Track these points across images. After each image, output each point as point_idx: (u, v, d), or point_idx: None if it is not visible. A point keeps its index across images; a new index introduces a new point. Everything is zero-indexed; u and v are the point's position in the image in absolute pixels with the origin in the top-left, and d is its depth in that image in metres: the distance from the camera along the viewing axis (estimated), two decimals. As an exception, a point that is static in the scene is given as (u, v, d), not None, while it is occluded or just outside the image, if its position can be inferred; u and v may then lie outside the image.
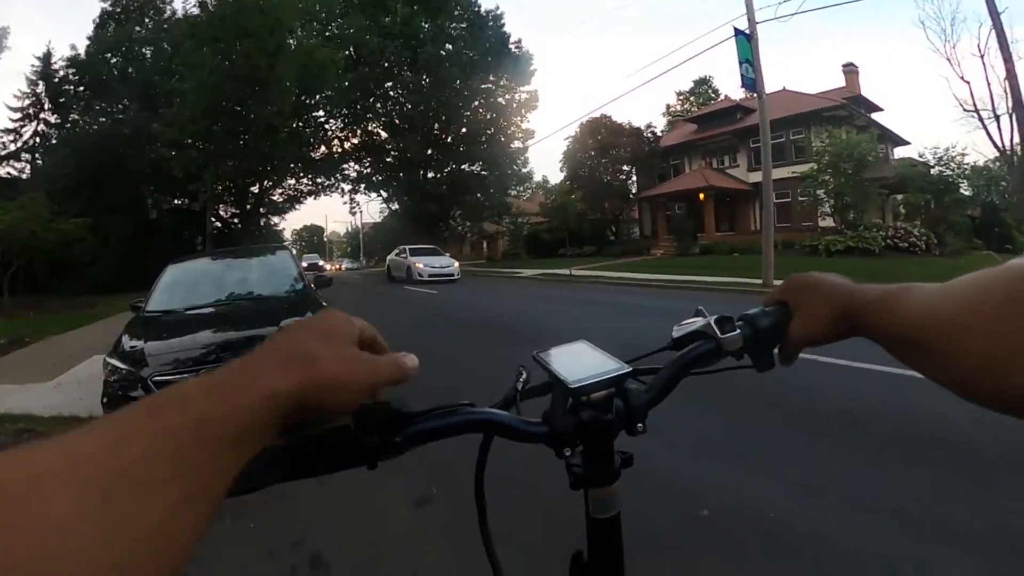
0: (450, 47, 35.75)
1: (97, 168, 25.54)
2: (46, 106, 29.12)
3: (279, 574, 2.73)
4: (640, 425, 0.61)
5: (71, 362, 8.23)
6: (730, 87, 57.42)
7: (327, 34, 32.92)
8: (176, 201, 31.35)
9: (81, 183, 25.59)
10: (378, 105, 37.59)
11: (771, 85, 19.34)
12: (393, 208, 42.61)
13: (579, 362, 0.62)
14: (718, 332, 0.64)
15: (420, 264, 21.86)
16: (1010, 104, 20.05)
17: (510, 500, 3.02)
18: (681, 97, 56.08)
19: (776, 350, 0.67)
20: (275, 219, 38.63)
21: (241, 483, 0.44)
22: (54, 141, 28.71)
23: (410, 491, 3.50)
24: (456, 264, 23.01)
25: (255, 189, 32.39)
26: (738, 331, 0.65)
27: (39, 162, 28.76)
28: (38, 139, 29.36)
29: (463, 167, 38.93)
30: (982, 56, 22.69)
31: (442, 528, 3.06)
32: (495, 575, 0.67)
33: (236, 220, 33.50)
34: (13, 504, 0.26)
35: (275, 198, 36.11)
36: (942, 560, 2.44)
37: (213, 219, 29.25)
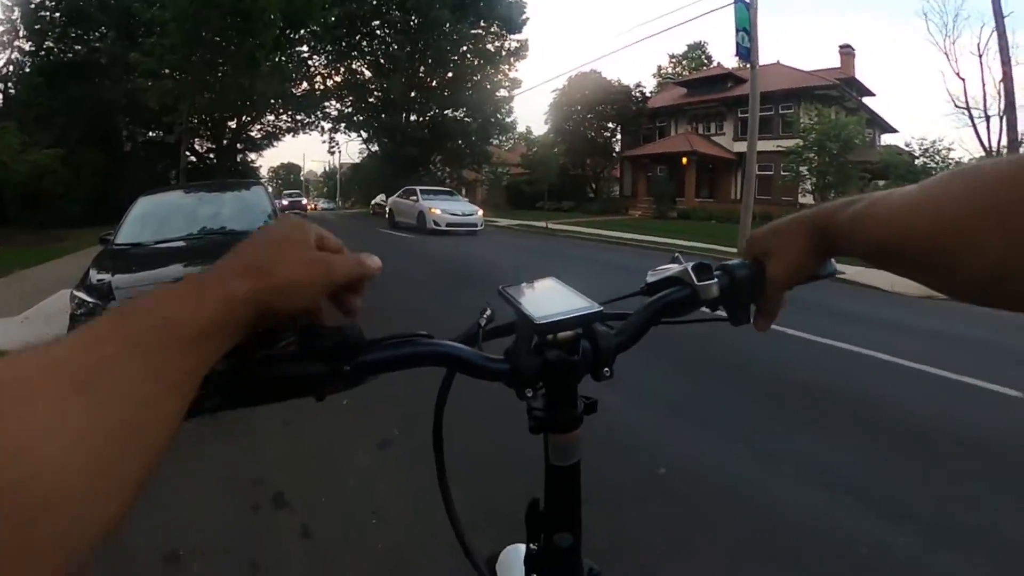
0: (441, -12, 34.81)
1: (71, 98, 24.64)
2: (21, 33, 27.84)
3: (241, 512, 2.75)
4: (607, 370, 0.58)
5: (39, 296, 8.06)
6: (724, 55, 56.77)
7: (315, -33, 31.79)
8: (151, 134, 30.43)
9: (54, 113, 24.72)
10: (364, 43, 36.63)
11: (766, 57, 19.19)
12: (373, 150, 41.92)
13: (547, 299, 0.58)
14: (695, 279, 0.61)
15: (437, 210, 18.20)
16: (1002, 106, 20.22)
17: (465, 447, 3.07)
18: (673, 60, 55.31)
19: (753, 311, 0.64)
20: (252, 156, 37.75)
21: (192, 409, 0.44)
22: (27, 70, 27.54)
23: (373, 433, 3.54)
24: (479, 212, 19.58)
25: (233, 124, 31.57)
26: (716, 280, 0.61)
27: (12, 91, 27.66)
28: (11, 68, 28.15)
29: (446, 112, 38.25)
30: (980, 56, 22.75)
31: (403, 469, 3.09)
32: (449, 513, 0.67)
33: (212, 155, 32.71)
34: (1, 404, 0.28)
35: (253, 134, 35.24)
36: (891, 537, 2.53)
37: (188, 153, 28.53)
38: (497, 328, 0.64)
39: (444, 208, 18.48)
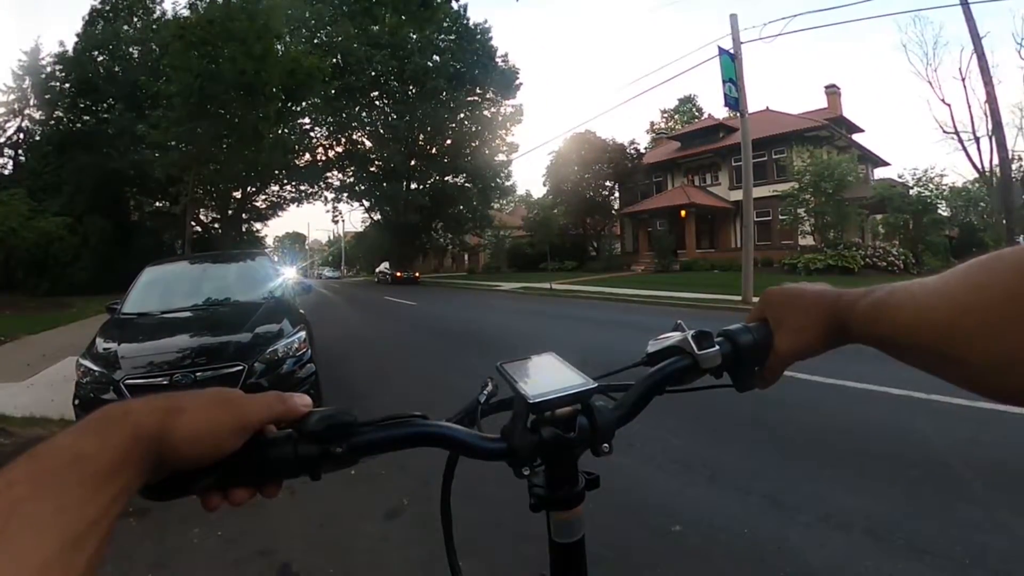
0: (437, 59, 35.89)
1: (79, 167, 25.34)
2: (31, 102, 28.76)
3: (247, 583, 2.69)
4: (606, 446, 0.57)
5: (45, 363, 8.11)
6: (714, 106, 58.17)
7: (315, 41, 32.91)
8: (158, 203, 31.03)
9: (62, 181, 25.42)
10: (363, 114, 37.60)
11: (754, 105, 19.69)
12: (375, 218, 42.50)
13: (544, 376, 0.58)
14: (695, 348, 0.61)
15: None
16: (990, 126, 20.53)
17: (477, 516, 3.01)
18: (665, 115, 56.75)
19: (756, 370, 0.63)
20: (257, 225, 38.35)
21: (176, 487, 0.45)
22: (37, 138, 28.31)
23: (381, 502, 3.48)
24: None
25: (238, 194, 32.15)
26: (716, 348, 0.61)
27: (22, 158, 28.37)
28: (22, 135, 29.02)
29: (447, 179, 39.00)
30: (963, 79, 23.21)
31: (411, 539, 3.03)
32: None
33: (217, 225, 33.23)
34: None
35: (258, 204, 35.87)
36: (913, 575, 2.46)
37: (193, 223, 28.96)
38: (502, 401, 0.64)
39: None
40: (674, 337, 0.64)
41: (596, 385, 0.57)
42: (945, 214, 26.76)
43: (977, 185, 26.17)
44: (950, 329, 0.44)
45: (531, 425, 0.56)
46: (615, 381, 0.65)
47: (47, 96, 27.88)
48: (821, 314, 0.58)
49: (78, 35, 28.88)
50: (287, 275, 7.86)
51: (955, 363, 0.45)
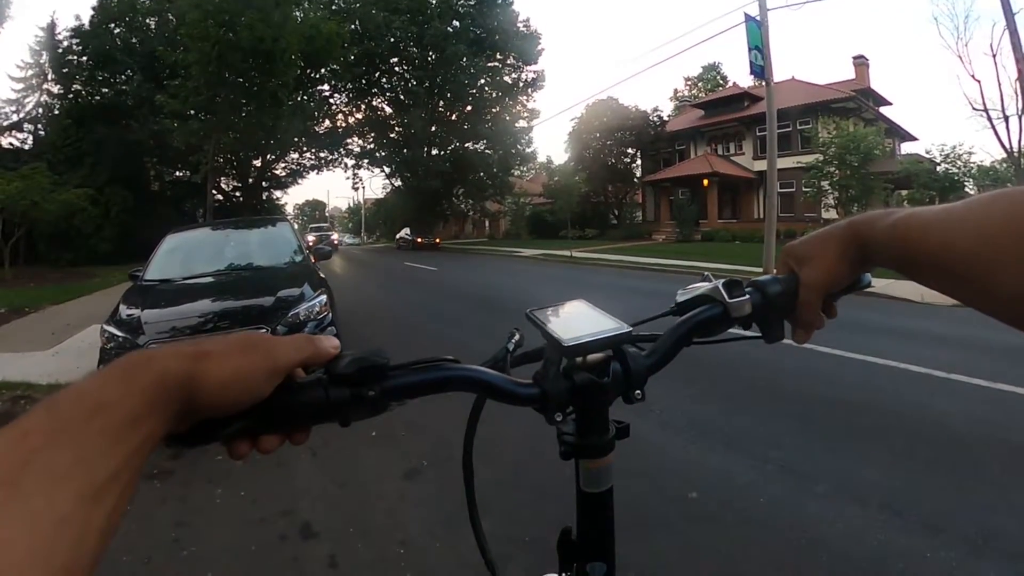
0: (457, 24, 35.43)
1: (99, 139, 25.41)
2: (49, 76, 28.79)
3: (269, 542, 2.75)
4: (638, 392, 0.57)
5: (70, 331, 8.25)
6: (739, 74, 56.96)
7: (333, 7, 32.61)
8: (178, 173, 31.17)
9: (83, 154, 25.51)
10: (383, 80, 37.36)
11: (780, 74, 19.13)
12: (396, 184, 42.47)
13: (576, 321, 0.57)
14: (726, 296, 0.60)
15: None
16: (1020, 105, 19.87)
17: (495, 475, 3.05)
18: (689, 82, 55.65)
19: (791, 326, 0.62)
20: (277, 193, 38.42)
21: (202, 434, 0.43)
22: (56, 111, 28.42)
23: (400, 463, 3.53)
24: None
25: (258, 162, 32.22)
26: (747, 296, 0.60)
27: (41, 133, 28.54)
28: (41, 110, 29.06)
29: (467, 145, 38.74)
30: (994, 55, 22.35)
31: (430, 499, 3.08)
32: (478, 542, 0.65)
33: (238, 193, 33.38)
34: None
35: (278, 172, 35.94)
36: (927, 551, 2.45)
37: (214, 192, 29.07)
38: (527, 353, 0.63)
39: None
40: (704, 287, 0.63)
41: (631, 329, 0.56)
42: (972, 192, 26.08)
43: (1005, 165, 25.36)
44: (975, 258, 0.44)
45: (564, 370, 0.55)
46: (642, 331, 0.64)
47: (65, 70, 27.79)
48: (837, 236, 0.58)
49: (94, 8, 28.72)
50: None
51: (976, 290, 0.46)
